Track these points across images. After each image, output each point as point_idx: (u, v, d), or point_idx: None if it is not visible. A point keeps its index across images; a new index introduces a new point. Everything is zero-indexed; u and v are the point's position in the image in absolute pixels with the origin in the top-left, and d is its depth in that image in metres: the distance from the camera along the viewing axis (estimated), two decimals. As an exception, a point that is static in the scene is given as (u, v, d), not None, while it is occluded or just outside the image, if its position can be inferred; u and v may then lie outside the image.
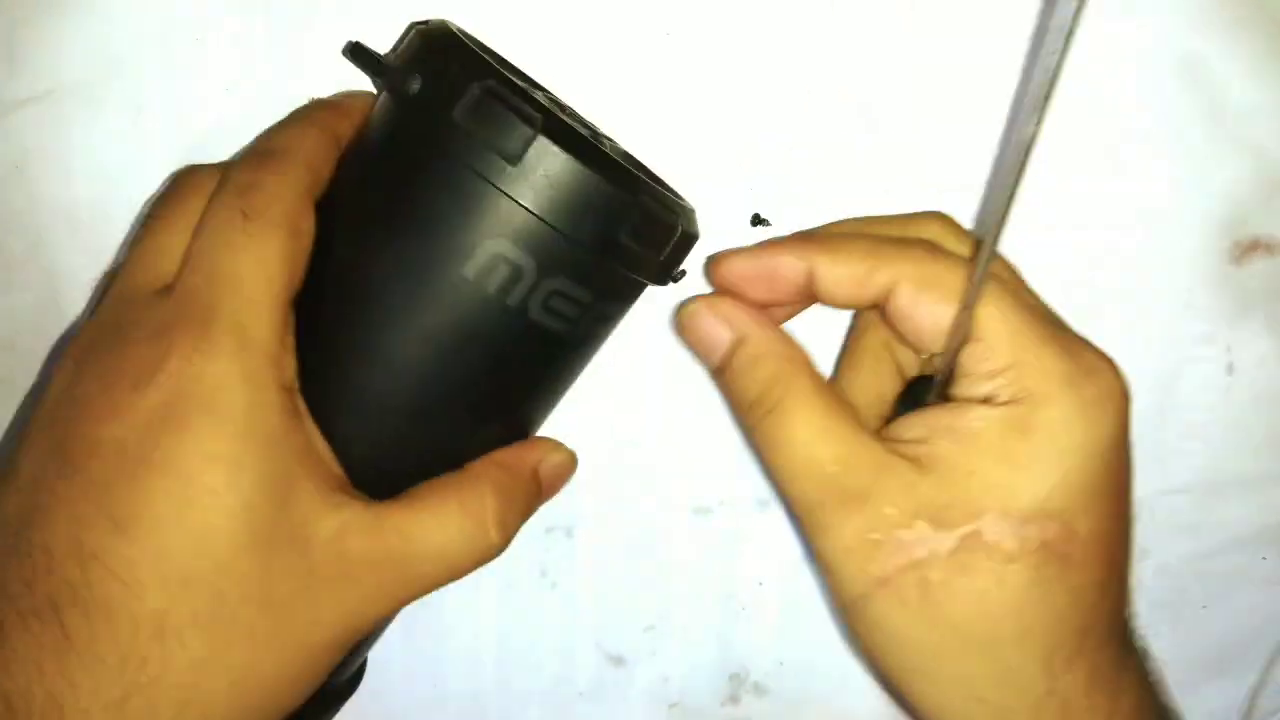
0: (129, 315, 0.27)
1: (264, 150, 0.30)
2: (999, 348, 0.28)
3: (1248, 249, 0.38)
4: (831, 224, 0.35)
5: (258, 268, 0.27)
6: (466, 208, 0.27)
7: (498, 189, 0.27)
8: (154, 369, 0.26)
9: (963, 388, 0.29)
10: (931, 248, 0.30)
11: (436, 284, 0.28)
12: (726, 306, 0.31)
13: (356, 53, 0.31)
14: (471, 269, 0.28)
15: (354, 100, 0.32)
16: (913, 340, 0.30)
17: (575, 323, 0.30)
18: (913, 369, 0.34)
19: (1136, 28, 0.36)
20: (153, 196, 0.34)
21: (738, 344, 0.31)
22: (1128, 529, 0.30)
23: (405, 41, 0.31)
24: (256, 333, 0.26)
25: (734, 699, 0.41)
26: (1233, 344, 0.38)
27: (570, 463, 0.34)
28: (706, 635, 0.41)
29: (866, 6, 0.36)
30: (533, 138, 0.27)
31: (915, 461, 0.28)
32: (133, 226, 0.36)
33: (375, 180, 0.30)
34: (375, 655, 0.35)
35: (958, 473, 0.28)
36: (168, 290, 0.27)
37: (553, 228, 0.27)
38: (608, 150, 0.29)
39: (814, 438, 0.29)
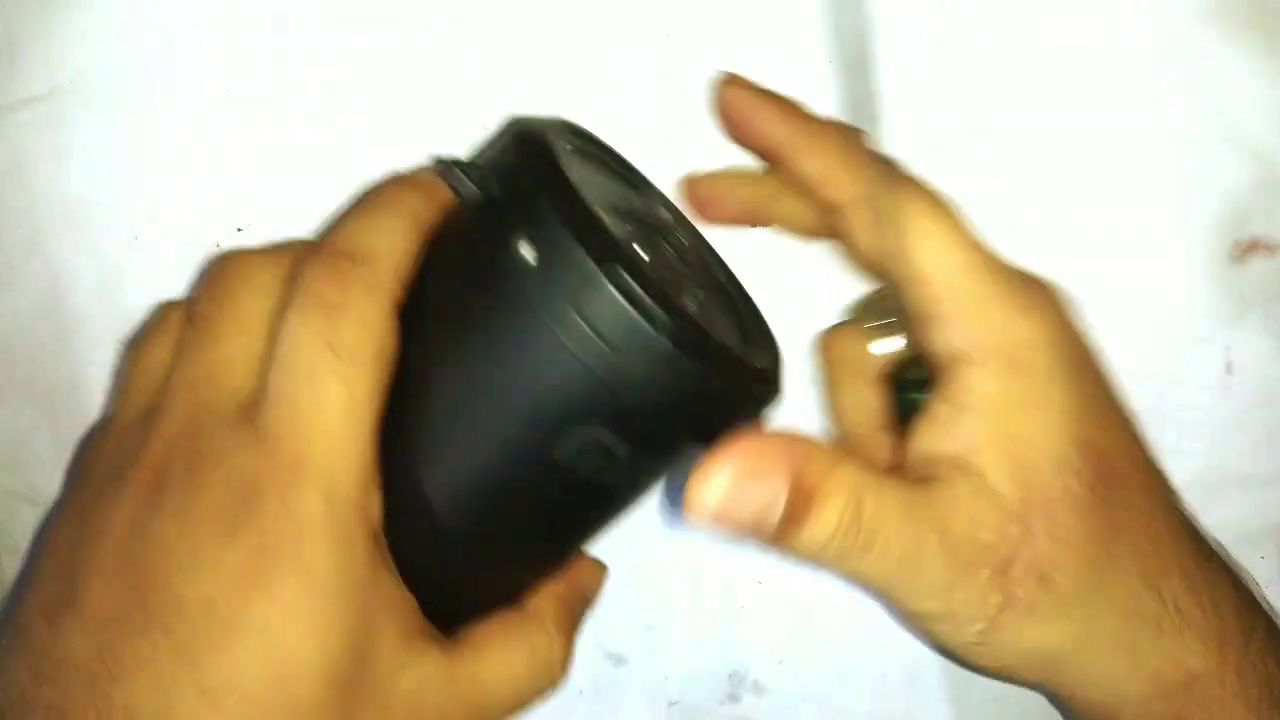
0: (205, 445, 0.25)
1: (349, 252, 0.27)
2: (959, 296, 0.28)
3: (1247, 249, 0.38)
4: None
5: (348, 414, 0.25)
6: (566, 392, 0.26)
7: (604, 382, 0.25)
8: (240, 522, 0.24)
9: (941, 357, 0.29)
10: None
11: (521, 458, 0.27)
12: (771, 445, 0.26)
13: (448, 172, 0.28)
14: (563, 453, 0.27)
15: (438, 184, 0.30)
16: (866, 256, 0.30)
17: (651, 487, 0.30)
18: (880, 369, 0.34)
19: (1136, 27, 0.36)
20: (196, 275, 0.31)
21: (797, 488, 0.26)
22: (1140, 433, 0.30)
23: (503, 161, 0.28)
24: (345, 483, 0.25)
25: (734, 698, 0.41)
26: (1232, 344, 0.38)
27: (603, 574, 0.35)
28: (706, 634, 0.41)
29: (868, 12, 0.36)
30: (653, 339, 0.25)
31: (944, 480, 0.28)
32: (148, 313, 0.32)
33: (462, 324, 0.27)
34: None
35: (971, 474, 0.28)
36: (246, 416, 0.26)
37: (655, 418, 0.26)
38: (719, 301, 0.29)
39: (895, 547, 0.27)
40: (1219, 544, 0.32)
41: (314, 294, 0.26)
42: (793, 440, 0.26)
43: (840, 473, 0.26)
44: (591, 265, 0.25)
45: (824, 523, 0.26)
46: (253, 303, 0.27)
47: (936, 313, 0.29)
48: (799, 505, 0.26)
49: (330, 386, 0.25)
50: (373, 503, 0.26)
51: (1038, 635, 0.28)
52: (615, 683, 0.41)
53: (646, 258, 0.28)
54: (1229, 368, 0.38)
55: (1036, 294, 0.29)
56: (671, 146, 0.37)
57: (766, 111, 0.31)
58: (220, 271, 0.28)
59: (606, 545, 0.39)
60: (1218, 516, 0.40)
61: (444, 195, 0.29)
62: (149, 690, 0.24)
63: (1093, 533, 0.28)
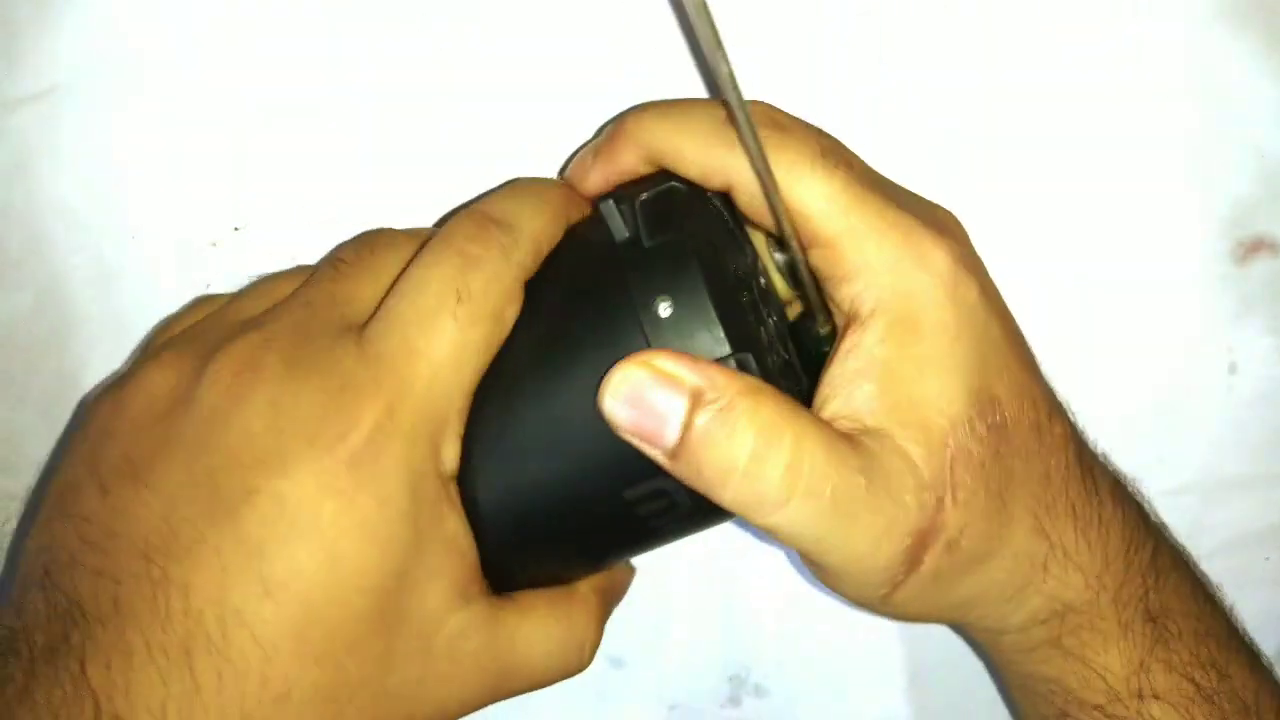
0: (310, 348, 0.26)
1: (495, 218, 0.28)
2: (846, 253, 0.27)
3: (1250, 249, 0.38)
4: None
5: (457, 356, 0.26)
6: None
7: None
8: (334, 431, 0.25)
9: (836, 313, 0.29)
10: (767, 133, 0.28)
11: (592, 484, 0.28)
12: (668, 363, 0.25)
13: (603, 200, 0.28)
14: (631, 494, 0.28)
15: (582, 197, 0.31)
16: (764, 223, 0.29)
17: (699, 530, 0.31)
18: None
19: (1137, 27, 0.36)
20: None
21: (694, 403, 0.25)
22: (1034, 365, 0.30)
23: (657, 209, 0.28)
24: (437, 421, 0.26)
25: (734, 700, 0.41)
26: (1234, 344, 0.38)
27: (631, 577, 0.36)
28: (706, 636, 0.41)
29: (870, 11, 0.36)
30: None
31: (861, 440, 0.27)
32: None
33: (576, 340, 0.28)
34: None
35: (895, 423, 0.27)
36: (356, 331, 0.26)
37: None
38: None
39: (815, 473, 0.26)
40: (1107, 461, 0.32)
41: (454, 244, 0.27)
42: (714, 365, 0.26)
43: (763, 398, 0.25)
44: (725, 348, 0.26)
45: (737, 442, 0.25)
46: (390, 256, 0.28)
47: (827, 272, 0.28)
48: (703, 423, 0.25)
49: (447, 327, 0.26)
50: (454, 449, 0.27)
51: (938, 595, 0.28)
52: (616, 685, 0.41)
53: (762, 336, 0.29)
54: (1232, 368, 0.38)
55: (927, 238, 0.27)
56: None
57: (640, 130, 0.30)
58: (367, 234, 0.30)
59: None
60: (1220, 516, 0.40)
61: (585, 208, 0.30)
62: (208, 572, 0.24)
63: (991, 490, 0.27)
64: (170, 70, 0.36)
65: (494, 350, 0.27)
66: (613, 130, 0.30)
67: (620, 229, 0.28)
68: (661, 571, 0.40)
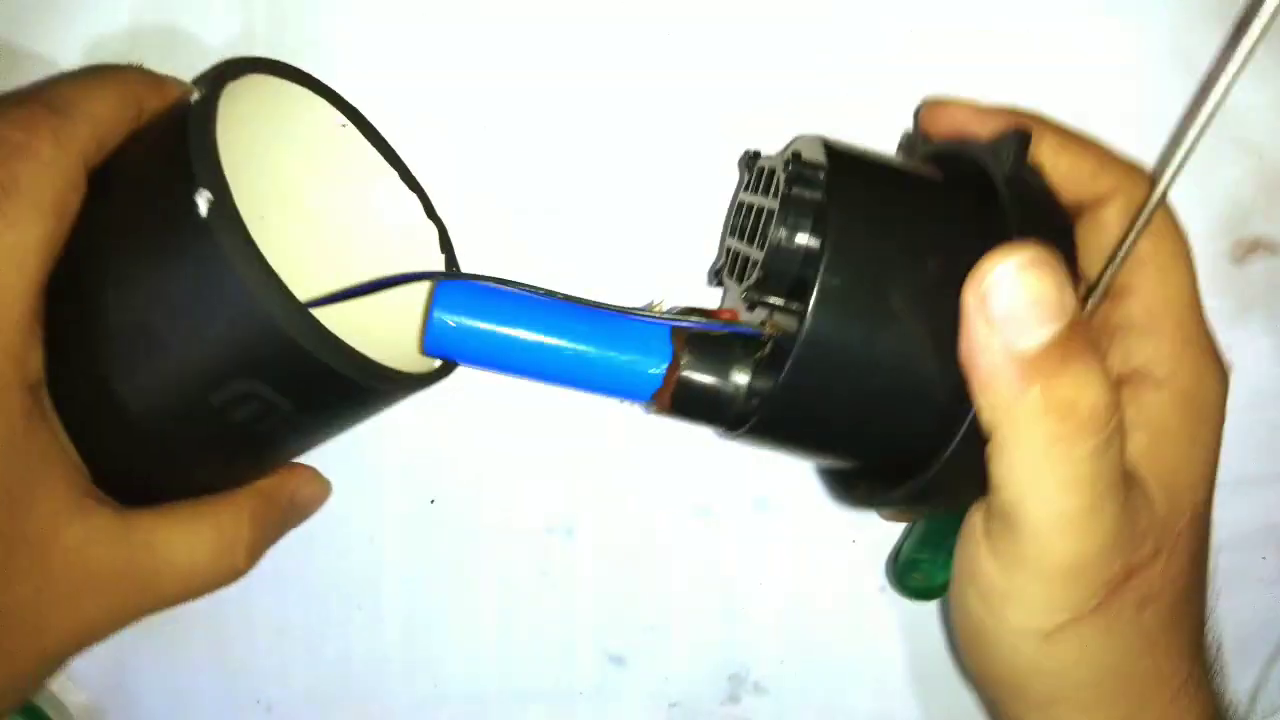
0: None
1: (48, 101, 0.26)
2: (1168, 339, 0.29)
3: (1248, 249, 0.38)
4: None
5: (9, 257, 0.25)
6: (232, 341, 0.25)
7: (282, 331, 0.25)
8: None
9: (1130, 356, 0.30)
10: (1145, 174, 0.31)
11: (180, 398, 0.27)
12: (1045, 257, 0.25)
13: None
14: (218, 399, 0.26)
15: (175, 85, 0.29)
16: (1095, 254, 0.30)
17: (327, 428, 0.30)
18: None
19: (1136, 27, 0.36)
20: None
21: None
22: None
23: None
24: (2, 330, 0.25)
25: (734, 699, 0.41)
26: (1233, 343, 0.38)
27: (324, 493, 0.33)
28: (706, 635, 0.41)
29: (870, 11, 0.36)
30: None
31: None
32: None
33: (147, 236, 0.26)
34: (376, 654, 0.35)
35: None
36: None
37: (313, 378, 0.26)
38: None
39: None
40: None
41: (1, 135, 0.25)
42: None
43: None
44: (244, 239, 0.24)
45: (1089, 382, 0.25)
46: None
47: (1147, 327, 0.30)
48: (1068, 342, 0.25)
49: None
50: (34, 355, 0.26)
51: (1092, 655, 0.28)
52: (616, 684, 0.41)
53: None
54: (1230, 368, 0.38)
55: (1217, 356, 0.31)
56: (671, 145, 0.37)
57: (995, 122, 0.31)
58: None
59: (606, 545, 0.40)
60: (1218, 516, 0.40)
61: (171, 95, 0.29)
62: None
63: (1191, 574, 0.29)
64: (172, 70, 0.36)
65: (58, 243, 0.26)
66: (991, 119, 0.31)
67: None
68: (662, 570, 0.40)
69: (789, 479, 0.39)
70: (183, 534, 0.28)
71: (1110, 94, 0.37)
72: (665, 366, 0.28)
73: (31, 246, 0.25)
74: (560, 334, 0.28)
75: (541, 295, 0.27)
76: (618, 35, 0.36)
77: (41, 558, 0.26)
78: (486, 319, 0.27)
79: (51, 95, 0.26)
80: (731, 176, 0.36)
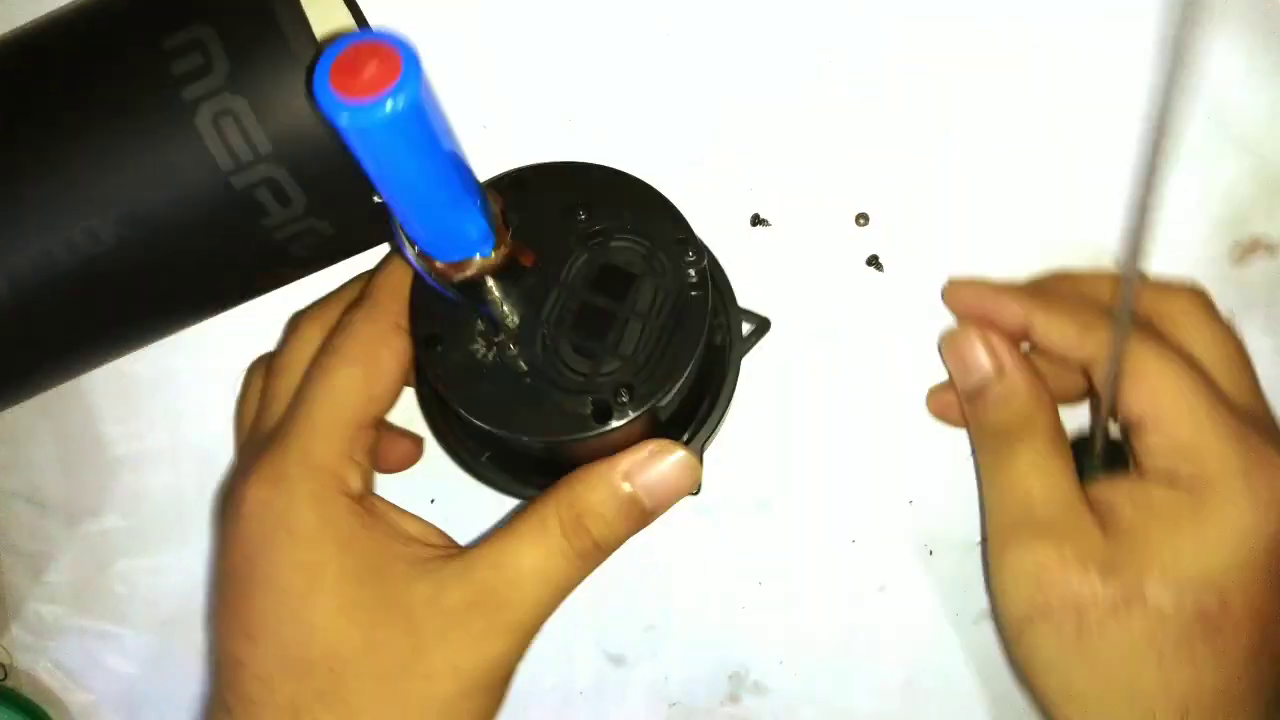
0: (244, 459, 0.32)
1: (362, 295, 0.33)
2: (1179, 429, 0.31)
3: (1248, 249, 0.38)
4: (1087, 275, 0.37)
5: (327, 396, 0.30)
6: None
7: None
8: (242, 504, 0.30)
9: (1148, 458, 0.32)
10: (1142, 330, 0.33)
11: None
12: (994, 340, 0.34)
13: None
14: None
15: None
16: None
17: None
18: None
19: (1135, 27, 0.36)
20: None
21: (996, 374, 0.34)
22: None
23: None
24: (321, 456, 0.30)
25: (734, 698, 0.41)
26: (1233, 344, 0.38)
27: (663, 454, 0.32)
28: (706, 635, 0.41)
29: (868, 6, 0.36)
30: None
31: (1101, 518, 0.32)
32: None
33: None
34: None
35: (1134, 536, 0.31)
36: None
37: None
38: None
39: (1032, 471, 0.33)
40: None
41: (331, 329, 0.33)
42: (1025, 366, 0.34)
43: (1032, 400, 0.34)
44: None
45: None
46: (302, 352, 0.33)
47: (1144, 423, 0.32)
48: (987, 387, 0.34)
49: (316, 378, 0.31)
50: (354, 471, 0.31)
51: (1056, 657, 0.32)
52: (616, 683, 0.41)
53: None
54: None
55: (1272, 478, 0.31)
56: (672, 147, 0.37)
57: (997, 301, 0.35)
58: (288, 332, 0.34)
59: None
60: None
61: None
62: (221, 641, 0.31)
63: (1153, 653, 0.31)
64: None
65: (380, 387, 0.31)
66: (994, 299, 0.35)
67: None
68: (662, 569, 0.40)
69: (789, 479, 0.39)
70: (516, 542, 0.31)
71: (1108, 98, 0.37)
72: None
73: (342, 386, 0.31)
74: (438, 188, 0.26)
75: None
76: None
77: (406, 620, 0.30)
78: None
79: (365, 290, 0.33)
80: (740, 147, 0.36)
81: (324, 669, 0.29)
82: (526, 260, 0.30)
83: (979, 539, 0.40)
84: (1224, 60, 0.36)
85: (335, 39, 0.22)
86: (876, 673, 0.41)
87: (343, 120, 0.22)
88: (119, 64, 0.28)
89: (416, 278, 0.31)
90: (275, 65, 0.27)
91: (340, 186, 0.28)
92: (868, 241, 0.38)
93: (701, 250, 0.31)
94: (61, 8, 0.30)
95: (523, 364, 0.30)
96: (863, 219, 0.37)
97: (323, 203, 0.29)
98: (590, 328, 0.30)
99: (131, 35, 0.28)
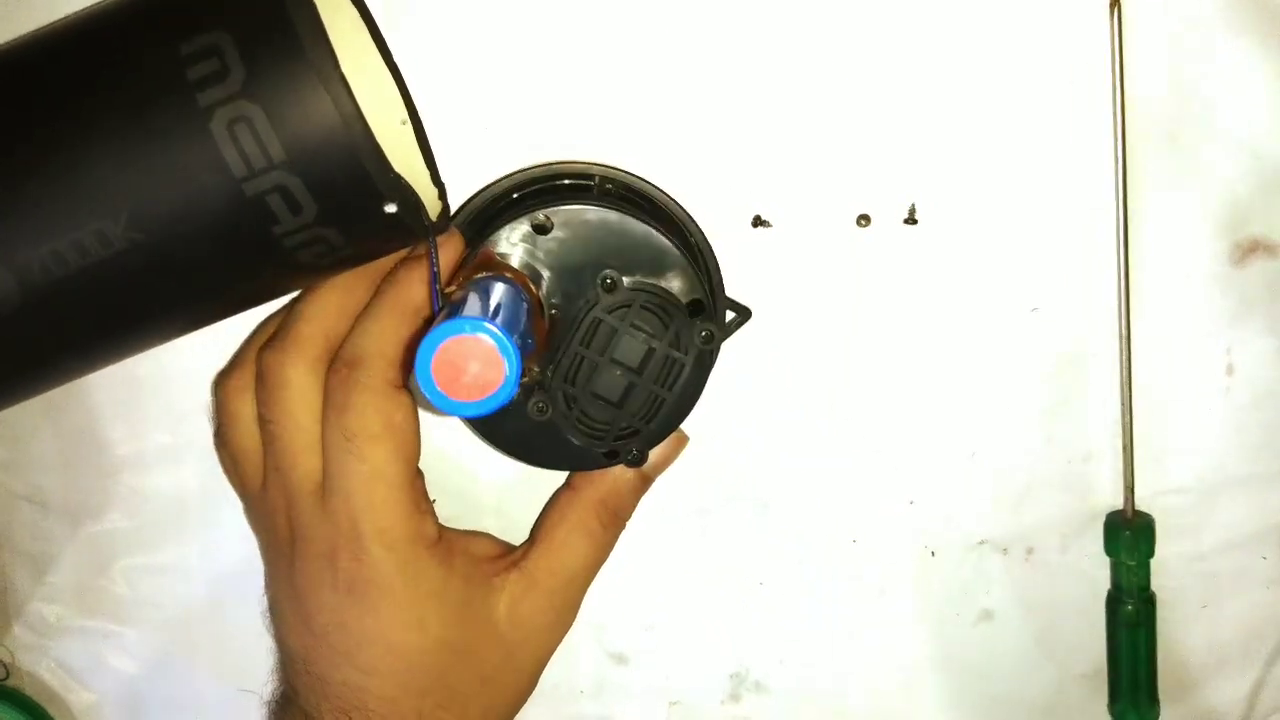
0: (304, 526, 0.34)
1: (348, 358, 0.33)
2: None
3: (1248, 250, 0.38)
4: None
5: (373, 481, 0.32)
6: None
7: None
8: (333, 576, 0.33)
9: None
10: None
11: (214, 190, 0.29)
12: None
13: None
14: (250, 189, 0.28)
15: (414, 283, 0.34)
16: None
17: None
18: None
19: (1135, 28, 0.36)
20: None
21: None
22: None
23: None
24: (394, 526, 0.33)
25: (735, 697, 0.41)
26: (1232, 344, 0.38)
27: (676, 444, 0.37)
28: (706, 635, 0.41)
29: (868, 8, 0.36)
30: None
31: None
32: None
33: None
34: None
35: None
36: (321, 498, 0.33)
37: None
38: None
39: None
40: None
41: (330, 401, 0.33)
42: None
43: None
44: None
45: None
46: (300, 406, 0.33)
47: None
48: None
49: (353, 469, 0.32)
50: (426, 521, 0.34)
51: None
52: (616, 682, 0.41)
53: None
54: (1229, 369, 0.38)
55: None
56: (672, 147, 0.37)
57: None
58: (265, 374, 0.34)
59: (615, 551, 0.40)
60: (1218, 516, 0.40)
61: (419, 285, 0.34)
62: (312, 687, 0.34)
63: None
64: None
65: (407, 443, 0.33)
66: None
67: None
68: (663, 569, 0.40)
69: (789, 479, 0.39)
70: (561, 546, 0.36)
71: (1108, 98, 0.37)
72: None
73: (381, 464, 0.33)
74: None
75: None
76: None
77: (495, 635, 0.35)
78: None
79: (347, 352, 0.33)
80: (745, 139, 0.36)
81: (440, 686, 0.34)
82: (540, 333, 0.33)
83: (979, 540, 0.40)
84: (1224, 60, 0.36)
85: (431, 331, 0.26)
86: (876, 673, 0.41)
87: (449, 409, 0.26)
88: (135, 67, 0.28)
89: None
90: (291, 73, 0.27)
91: (352, 196, 0.28)
92: (868, 241, 0.38)
93: (716, 327, 0.33)
94: (79, 11, 0.30)
95: (539, 409, 0.33)
96: (864, 219, 0.37)
97: (334, 212, 0.29)
98: (606, 389, 0.34)
99: (148, 38, 0.28)
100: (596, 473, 0.36)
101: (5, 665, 0.41)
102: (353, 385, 0.32)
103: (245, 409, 0.35)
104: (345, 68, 0.28)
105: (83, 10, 0.30)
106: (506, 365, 0.26)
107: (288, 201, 0.28)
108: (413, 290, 0.33)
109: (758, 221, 0.37)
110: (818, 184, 0.37)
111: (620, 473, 0.36)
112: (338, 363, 0.33)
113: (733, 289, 0.36)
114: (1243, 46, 0.36)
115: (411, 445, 0.33)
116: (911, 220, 0.37)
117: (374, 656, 0.33)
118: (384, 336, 0.33)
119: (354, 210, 0.29)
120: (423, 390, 0.26)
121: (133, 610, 0.40)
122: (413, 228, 0.30)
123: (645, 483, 0.37)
